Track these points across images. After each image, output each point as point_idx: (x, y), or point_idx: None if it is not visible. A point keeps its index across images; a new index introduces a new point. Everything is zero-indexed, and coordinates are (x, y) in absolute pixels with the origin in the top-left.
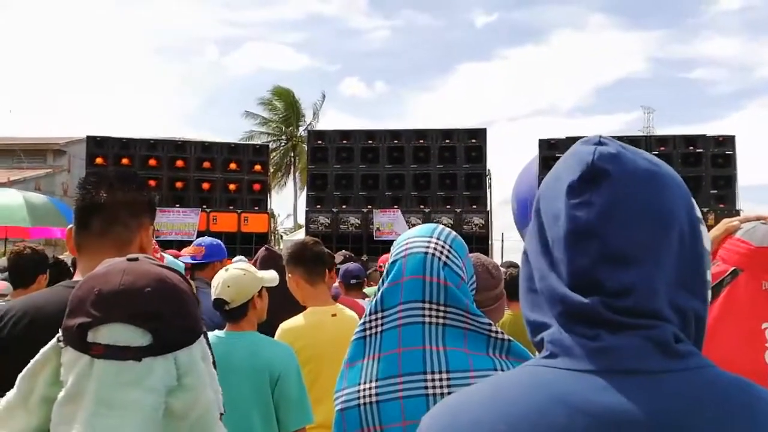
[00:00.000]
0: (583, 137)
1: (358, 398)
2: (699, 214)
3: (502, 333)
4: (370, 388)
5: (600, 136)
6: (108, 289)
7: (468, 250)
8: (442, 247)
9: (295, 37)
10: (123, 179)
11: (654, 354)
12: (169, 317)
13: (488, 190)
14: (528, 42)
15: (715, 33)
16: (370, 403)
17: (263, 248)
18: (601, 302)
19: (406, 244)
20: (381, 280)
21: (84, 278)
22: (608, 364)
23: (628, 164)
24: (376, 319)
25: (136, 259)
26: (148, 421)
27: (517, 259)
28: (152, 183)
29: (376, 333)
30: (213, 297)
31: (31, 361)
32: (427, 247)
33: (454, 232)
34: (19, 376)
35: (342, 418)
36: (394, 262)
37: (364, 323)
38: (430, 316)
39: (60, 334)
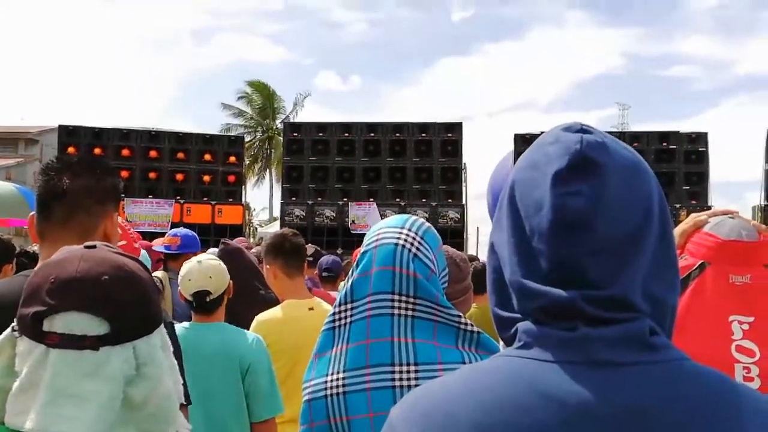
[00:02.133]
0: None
1: (326, 389)
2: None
3: (472, 325)
4: (337, 379)
5: (581, 123)
6: (64, 277)
7: (441, 242)
8: (413, 238)
9: (272, 28)
10: (87, 165)
11: (629, 346)
12: (127, 305)
13: (464, 184)
14: (506, 37)
15: (690, 31)
16: (337, 394)
17: (221, 243)
18: (581, 295)
19: (377, 234)
20: (351, 271)
21: (39, 266)
22: (583, 356)
23: (615, 153)
24: (345, 310)
25: (94, 246)
26: (105, 411)
27: None
28: (125, 173)
29: (344, 324)
30: (194, 289)
31: None
32: (398, 238)
33: (427, 224)
34: None
35: (309, 408)
36: (364, 253)
37: (334, 314)
38: (399, 307)
39: (15, 323)
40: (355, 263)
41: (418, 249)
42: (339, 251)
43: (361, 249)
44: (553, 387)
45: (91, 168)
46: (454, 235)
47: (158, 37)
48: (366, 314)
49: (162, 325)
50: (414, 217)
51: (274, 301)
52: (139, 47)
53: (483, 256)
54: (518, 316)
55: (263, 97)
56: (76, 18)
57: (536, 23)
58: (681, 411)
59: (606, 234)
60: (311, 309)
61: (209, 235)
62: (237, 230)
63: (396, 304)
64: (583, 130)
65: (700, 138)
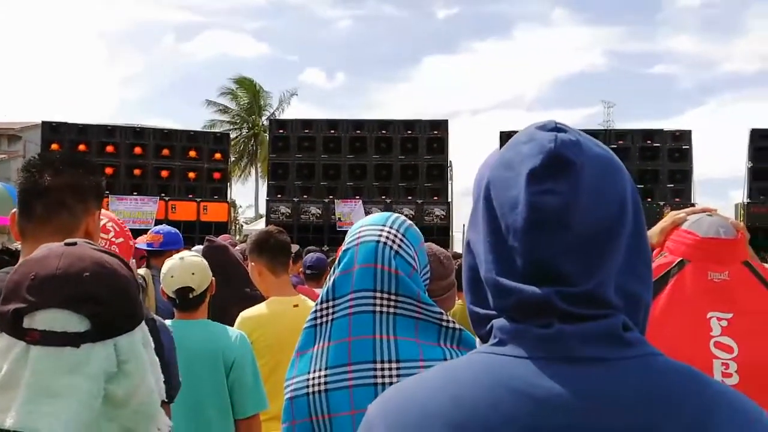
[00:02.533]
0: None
1: (308, 387)
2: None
3: (453, 322)
4: (319, 377)
5: (555, 122)
6: (44, 274)
7: (423, 239)
8: (395, 236)
9: (256, 24)
10: (69, 162)
11: (603, 342)
12: (108, 302)
13: (450, 182)
14: (492, 35)
15: (675, 29)
16: (319, 391)
17: (206, 240)
18: (555, 292)
19: (359, 232)
20: (332, 269)
21: (20, 263)
22: (557, 352)
23: (588, 152)
24: (327, 308)
25: (75, 243)
26: (85, 408)
27: None
28: (109, 170)
29: (326, 321)
30: (176, 286)
31: None
32: (380, 235)
33: (408, 221)
34: None
35: (291, 406)
36: (346, 251)
37: (316, 311)
38: (381, 305)
39: None
40: (337, 261)
41: (399, 246)
42: (325, 248)
43: (343, 247)
44: (526, 383)
45: (73, 165)
46: (440, 233)
47: (142, 33)
48: (348, 312)
49: (144, 322)
50: (395, 215)
51: (259, 299)
52: (123, 43)
53: None
54: (493, 313)
55: (249, 94)
56: (58, 13)
57: (522, 21)
58: (653, 405)
59: (580, 231)
60: (296, 306)
61: (194, 233)
62: (222, 227)
63: (378, 301)
64: (557, 128)
65: (684, 136)
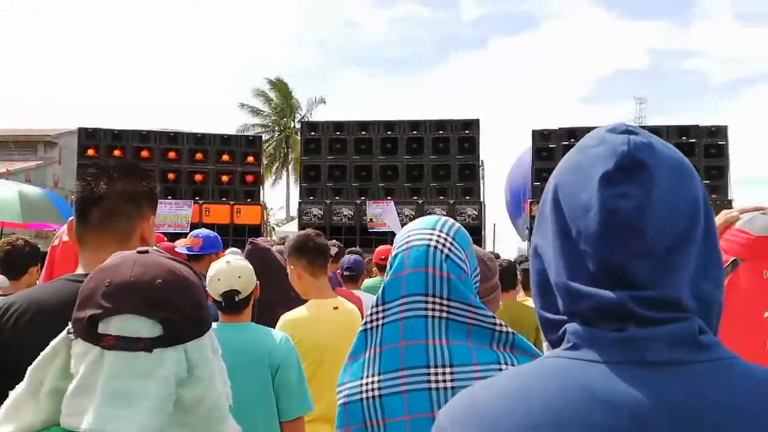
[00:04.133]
0: (577, 127)
1: (361, 392)
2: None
3: (506, 326)
4: (372, 383)
5: (626, 124)
6: (119, 281)
7: (472, 241)
8: (445, 239)
9: (290, 27)
10: (123, 170)
11: (679, 346)
12: (179, 309)
13: (481, 181)
14: (522, 32)
15: (709, 22)
16: (373, 397)
17: (249, 242)
18: (630, 296)
19: (408, 236)
20: (385, 273)
21: (94, 270)
22: (633, 356)
23: (661, 154)
24: (377, 312)
25: (147, 252)
26: (158, 412)
27: (509, 249)
28: None
29: (376, 326)
30: (223, 290)
31: (41, 354)
32: (430, 239)
33: (457, 224)
34: (29, 368)
35: (344, 411)
36: (395, 255)
37: (367, 317)
38: (433, 309)
39: (70, 326)
40: (388, 266)
41: (450, 250)
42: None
43: (392, 252)
44: (604, 388)
45: (127, 173)
46: (473, 233)
47: (175, 37)
48: (399, 316)
49: (212, 329)
50: (444, 218)
51: (303, 301)
52: (155, 48)
53: (502, 253)
54: (565, 318)
55: (281, 96)
56: (93, 19)
57: (552, 17)
58: (734, 411)
59: (654, 235)
60: (336, 308)
61: (228, 236)
62: (255, 230)
63: (430, 306)
64: (628, 131)
65: (720, 131)
